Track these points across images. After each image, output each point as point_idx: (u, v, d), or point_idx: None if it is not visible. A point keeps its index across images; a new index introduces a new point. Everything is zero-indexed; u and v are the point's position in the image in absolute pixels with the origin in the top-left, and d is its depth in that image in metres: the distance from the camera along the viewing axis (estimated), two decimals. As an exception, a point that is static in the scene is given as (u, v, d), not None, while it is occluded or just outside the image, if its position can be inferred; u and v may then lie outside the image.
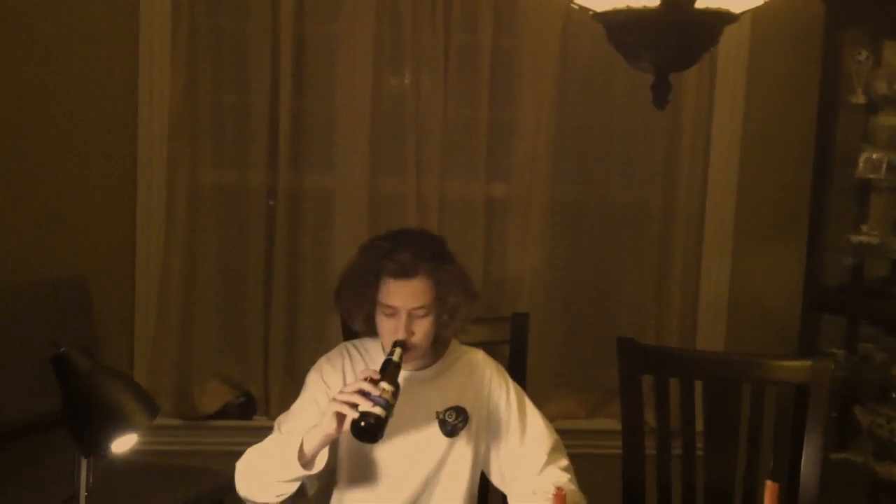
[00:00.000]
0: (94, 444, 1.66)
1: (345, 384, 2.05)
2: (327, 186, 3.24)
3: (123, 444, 1.69)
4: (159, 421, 2.91)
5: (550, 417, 3.12)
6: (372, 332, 2.10)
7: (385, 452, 2.09)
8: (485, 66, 3.23)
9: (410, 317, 2.01)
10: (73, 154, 3.13)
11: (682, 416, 2.41)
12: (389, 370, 1.94)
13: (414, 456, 2.11)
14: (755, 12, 1.55)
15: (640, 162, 3.37)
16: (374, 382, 1.90)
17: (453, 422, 2.11)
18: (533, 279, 3.31)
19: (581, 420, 3.37)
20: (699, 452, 2.41)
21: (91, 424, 1.64)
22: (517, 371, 2.55)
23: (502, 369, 2.23)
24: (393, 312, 2.01)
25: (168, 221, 3.17)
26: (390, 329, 2.02)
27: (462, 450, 2.12)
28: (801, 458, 2.34)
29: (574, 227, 3.39)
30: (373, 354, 2.13)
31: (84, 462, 1.71)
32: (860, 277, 3.38)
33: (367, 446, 1.98)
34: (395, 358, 1.96)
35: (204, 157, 3.21)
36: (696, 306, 3.40)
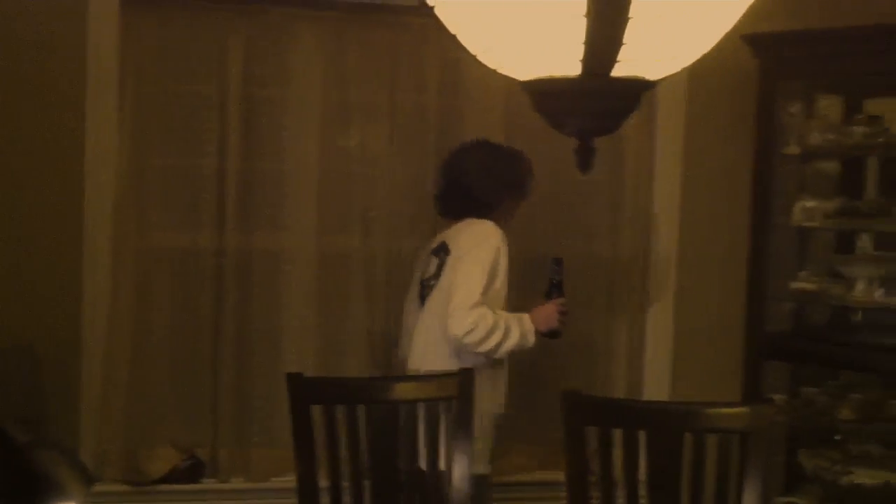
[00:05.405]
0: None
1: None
2: (276, 246, 3.27)
3: (61, 514, 1.69)
4: (105, 487, 2.91)
5: (504, 472, 3.17)
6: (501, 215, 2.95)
7: None
8: (431, 125, 3.30)
9: None
10: (19, 220, 3.11)
11: (626, 466, 2.44)
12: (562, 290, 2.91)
13: None
14: (691, 67, 1.59)
15: (584, 215, 3.45)
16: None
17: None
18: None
19: (532, 472, 3.39)
20: (642, 502, 2.44)
21: (25, 497, 1.64)
22: (465, 425, 2.57)
23: None
24: None
25: (115, 285, 3.16)
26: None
27: None
28: (744, 504, 2.38)
29: (524, 280, 3.43)
30: None
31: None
32: (801, 323, 3.45)
33: None
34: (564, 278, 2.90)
35: (152, 219, 3.22)
36: (642, 358, 3.45)
